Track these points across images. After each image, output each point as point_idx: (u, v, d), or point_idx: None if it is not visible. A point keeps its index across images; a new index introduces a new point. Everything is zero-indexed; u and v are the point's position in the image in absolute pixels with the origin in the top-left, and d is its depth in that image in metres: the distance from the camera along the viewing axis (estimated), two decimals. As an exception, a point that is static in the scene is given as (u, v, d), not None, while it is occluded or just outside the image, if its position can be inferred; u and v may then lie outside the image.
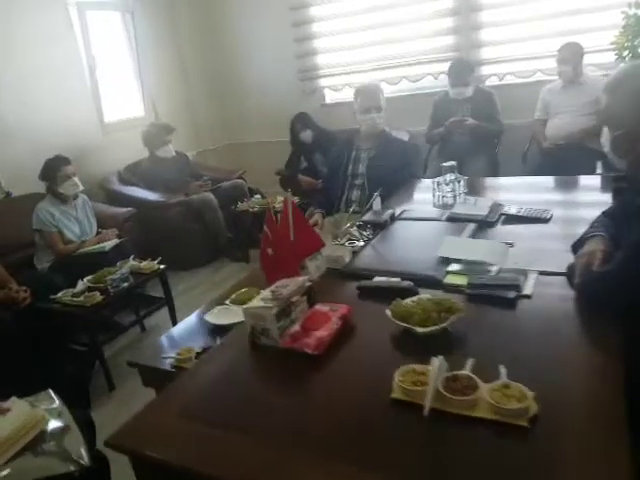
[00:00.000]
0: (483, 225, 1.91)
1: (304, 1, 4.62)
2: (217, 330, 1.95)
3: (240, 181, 4.36)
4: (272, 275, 1.50)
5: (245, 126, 5.35)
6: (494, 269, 1.51)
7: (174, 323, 2.96)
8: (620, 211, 1.43)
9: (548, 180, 2.69)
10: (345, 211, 2.82)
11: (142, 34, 4.54)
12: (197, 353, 1.82)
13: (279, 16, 4.76)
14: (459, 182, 2.33)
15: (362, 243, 1.89)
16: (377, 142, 2.82)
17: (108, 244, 3.11)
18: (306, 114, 4.26)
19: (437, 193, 2.38)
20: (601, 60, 3.63)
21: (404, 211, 2.23)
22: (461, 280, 1.48)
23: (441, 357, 1.03)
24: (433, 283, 1.50)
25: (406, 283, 1.48)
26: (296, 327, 1.29)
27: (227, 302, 2.15)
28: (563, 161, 3.32)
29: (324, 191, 3.02)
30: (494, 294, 1.37)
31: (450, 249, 1.64)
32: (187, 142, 4.78)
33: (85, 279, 2.70)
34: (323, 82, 4.86)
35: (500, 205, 2.05)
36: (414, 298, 1.36)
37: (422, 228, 2.01)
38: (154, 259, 2.92)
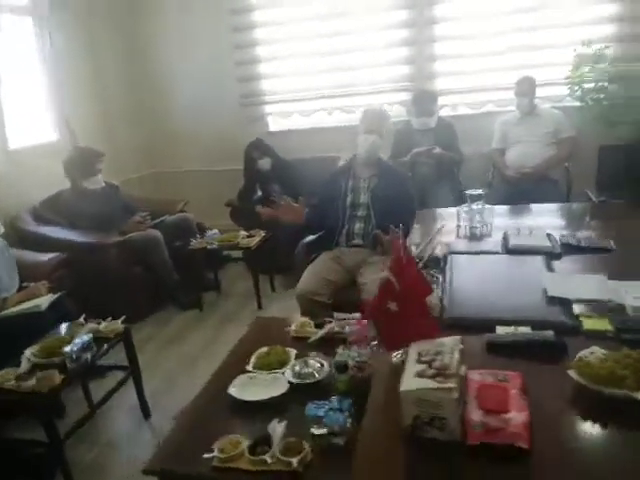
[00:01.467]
0: (551, 257, 1.74)
1: (249, 21, 4.32)
2: (246, 408, 1.55)
3: (187, 214, 3.83)
4: (395, 338, 1.16)
5: (174, 153, 4.82)
6: (629, 307, 1.32)
7: (142, 400, 2.39)
8: None
9: (546, 207, 2.66)
10: (346, 244, 2.54)
11: (57, 44, 3.86)
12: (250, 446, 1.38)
13: (217, 36, 4.40)
14: (486, 211, 2.17)
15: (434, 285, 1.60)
16: (376, 170, 2.60)
17: (42, 301, 2.40)
18: (263, 141, 3.91)
19: (464, 224, 2.19)
20: (550, 93, 3.79)
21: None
22: (602, 325, 1.26)
23: None
24: (567, 330, 1.27)
25: (549, 334, 1.23)
26: (476, 411, 0.96)
27: (249, 368, 1.74)
28: (528, 190, 3.38)
29: (318, 223, 2.68)
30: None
31: (558, 287, 1.43)
32: (106, 170, 4.07)
33: (28, 352, 2.04)
34: (268, 109, 4.55)
35: (552, 235, 1.91)
36: (585, 352, 1.10)
37: (487, 263, 1.78)
38: (109, 317, 2.31)
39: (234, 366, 1.82)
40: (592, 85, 3.59)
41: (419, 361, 1.03)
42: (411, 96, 3.84)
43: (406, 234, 2.51)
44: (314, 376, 1.67)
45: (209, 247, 3.39)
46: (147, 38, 4.60)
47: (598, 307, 1.34)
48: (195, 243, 3.41)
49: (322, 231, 2.65)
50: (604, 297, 1.39)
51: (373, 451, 1.01)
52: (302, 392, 1.62)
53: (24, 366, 1.95)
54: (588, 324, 1.28)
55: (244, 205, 3.92)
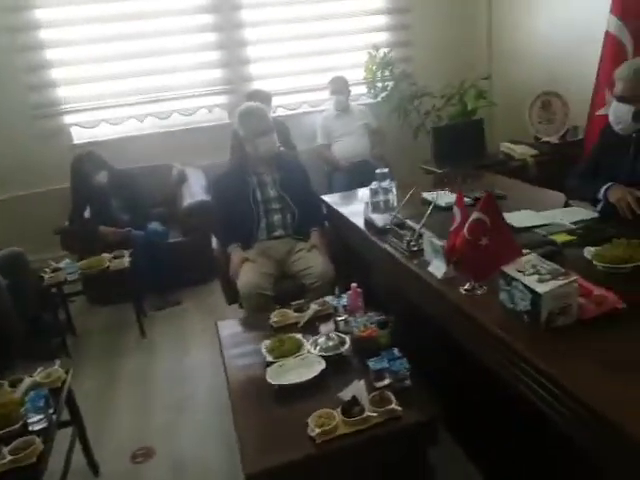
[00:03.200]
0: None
1: (30, 20, 3.75)
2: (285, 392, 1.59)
3: (14, 249, 3.12)
4: (485, 269, 1.38)
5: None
6: (569, 225, 1.84)
7: (91, 462, 2.00)
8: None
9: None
10: (267, 237, 2.58)
11: None
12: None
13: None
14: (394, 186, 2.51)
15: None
16: (276, 162, 2.68)
17: None
18: (94, 152, 3.45)
19: (378, 199, 2.47)
20: (354, 92, 4.41)
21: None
22: (567, 238, 1.73)
23: None
24: (550, 244, 1.70)
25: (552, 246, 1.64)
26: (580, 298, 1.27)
27: (270, 359, 1.72)
28: (359, 176, 3.92)
29: (231, 224, 2.62)
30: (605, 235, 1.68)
31: (518, 222, 1.87)
32: None
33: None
34: (69, 119, 4.01)
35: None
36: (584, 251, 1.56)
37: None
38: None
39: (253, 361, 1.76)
40: (381, 84, 4.37)
41: (526, 274, 1.29)
42: (246, 97, 3.95)
43: (322, 221, 2.72)
44: (339, 348, 1.76)
45: (70, 278, 2.88)
46: None
47: (552, 228, 1.82)
48: (51, 277, 2.84)
49: (232, 232, 2.61)
50: (549, 222, 1.88)
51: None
52: (335, 364, 1.70)
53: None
54: (560, 239, 1.74)
55: (83, 228, 3.42)
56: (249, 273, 2.41)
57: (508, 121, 3.54)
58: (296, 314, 2.05)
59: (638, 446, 0.91)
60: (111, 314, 3.43)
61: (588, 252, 1.57)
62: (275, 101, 4.26)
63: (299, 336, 1.85)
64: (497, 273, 1.37)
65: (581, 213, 1.99)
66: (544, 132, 3.30)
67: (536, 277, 1.28)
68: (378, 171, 2.48)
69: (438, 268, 1.60)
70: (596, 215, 1.95)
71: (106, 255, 3.05)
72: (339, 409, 1.44)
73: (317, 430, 1.37)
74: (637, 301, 1.27)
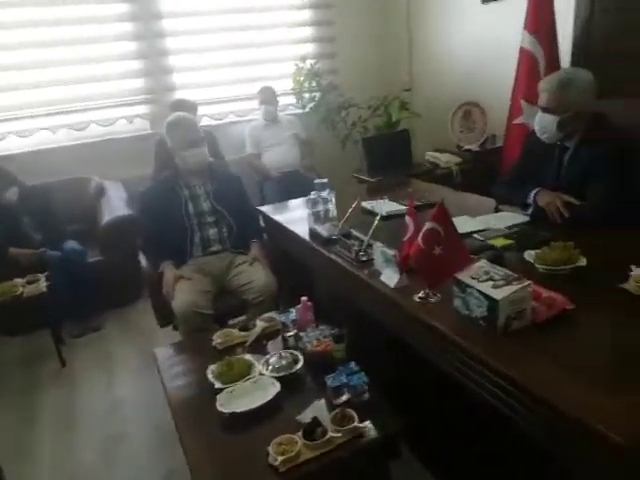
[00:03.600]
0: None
1: None
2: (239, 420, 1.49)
3: None
4: (439, 276, 1.39)
5: None
6: (504, 229, 1.92)
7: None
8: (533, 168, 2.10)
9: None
10: (203, 253, 2.46)
11: None
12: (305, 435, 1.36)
13: None
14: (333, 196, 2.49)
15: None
16: (208, 174, 2.57)
17: None
18: (3, 168, 3.12)
19: (318, 209, 2.45)
20: (282, 102, 4.38)
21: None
22: (505, 242, 1.80)
23: None
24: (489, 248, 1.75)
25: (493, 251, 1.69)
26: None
27: (219, 386, 1.63)
28: (291, 185, 3.90)
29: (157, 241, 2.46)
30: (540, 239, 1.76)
31: (461, 227, 1.91)
32: None
33: None
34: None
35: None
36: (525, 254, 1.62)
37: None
38: None
39: (199, 390, 1.65)
40: (309, 95, 4.38)
41: (480, 281, 1.31)
42: (170, 107, 3.78)
43: (261, 232, 2.64)
44: (292, 366, 1.70)
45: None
46: None
47: (489, 234, 1.88)
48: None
49: (163, 249, 2.46)
50: (484, 227, 1.94)
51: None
52: (290, 384, 1.64)
53: None
54: (498, 243, 1.80)
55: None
56: (185, 291, 2.27)
57: (432, 131, 3.69)
58: (242, 333, 1.95)
59: (602, 443, 0.94)
60: (25, 344, 3.12)
61: (529, 255, 1.63)
62: (201, 111, 4.12)
63: (248, 357, 1.76)
64: (450, 280, 1.38)
65: (513, 218, 2.07)
66: (466, 140, 3.46)
67: (491, 283, 1.30)
68: (317, 181, 2.46)
69: (390, 277, 1.59)
70: (527, 219, 2.04)
71: (19, 280, 2.76)
72: (300, 433, 1.37)
73: (279, 458, 1.29)
74: (582, 301, 1.33)
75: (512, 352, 1.22)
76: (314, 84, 4.31)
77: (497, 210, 2.24)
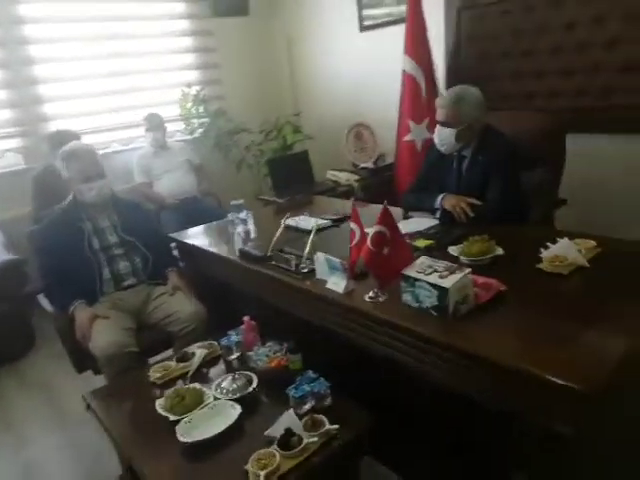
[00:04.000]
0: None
1: None
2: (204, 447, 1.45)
3: None
4: (389, 275, 1.48)
5: None
6: (425, 230, 2.10)
7: None
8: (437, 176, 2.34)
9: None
10: (115, 288, 2.30)
11: None
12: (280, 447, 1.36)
13: None
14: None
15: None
16: (112, 206, 2.42)
17: None
18: None
19: (238, 229, 2.43)
20: (171, 128, 4.27)
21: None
22: (426, 243, 1.97)
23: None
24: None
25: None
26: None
27: (174, 418, 1.55)
28: (190, 212, 3.81)
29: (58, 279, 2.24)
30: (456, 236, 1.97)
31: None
32: None
33: None
34: None
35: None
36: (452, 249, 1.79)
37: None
38: None
39: (151, 426, 1.54)
40: (197, 121, 4.35)
41: (426, 274, 1.43)
42: (48, 139, 3.47)
43: (175, 261, 2.53)
44: (248, 386, 1.67)
45: None
46: None
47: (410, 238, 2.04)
48: None
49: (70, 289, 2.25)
50: (406, 230, 2.10)
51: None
52: (249, 404, 1.61)
53: None
54: (421, 244, 1.95)
55: None
56: (106, 331, 2.09)
57: (327, 152, 3.88)
58: (180, 364, 1.86)
59: (563, 395, 1.08)
60: None
61: (453, 250, 1.81)
62: (83, 140, 3.86)
63: (196, 385, 1.69)
64: (398, 278, 1.49)
65: (424, 222, 2.27)
66: (360, 159, 3.69)
67: (437, 275, 1.43)
68: (233, 202, 2.46)
69: (337, 284, 1.65)
70: (436, 222, 2.25)
71: None
72: (274, 446, 1.36)
73: (262, 473, 1.26)
74: (509, 283, 1.52)
75: (465, 331, 1.35)
76: (201, 110, 4.30)
77: (406, 217, 2.42)
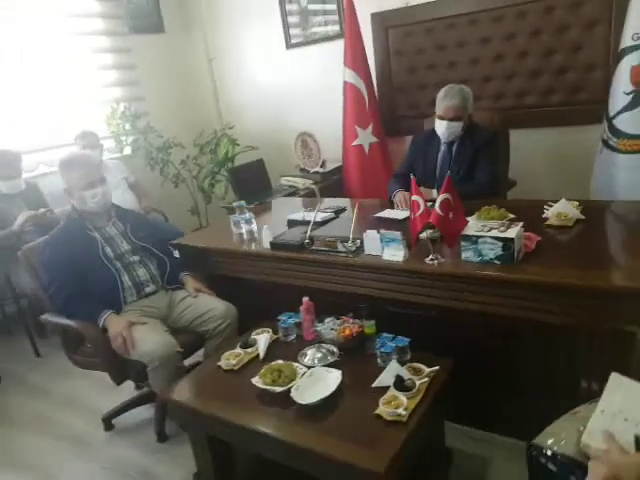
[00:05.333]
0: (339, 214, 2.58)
1: None
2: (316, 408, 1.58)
3: None
4: (453, 236, 1.76)
5: None
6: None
7: None
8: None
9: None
10: (138, 297, 2.24)
11: None
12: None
13: None
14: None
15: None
16: (115, 213, 2.36)
17: None
18: None
19: (244, 229, 2.49)
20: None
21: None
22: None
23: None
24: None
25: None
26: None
27: (280, 389, 1.65)
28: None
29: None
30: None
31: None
32: None
33: None
34: None
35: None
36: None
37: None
38: None
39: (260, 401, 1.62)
40: (126, 138, 4.22)
41: (484, 231, 1.73)
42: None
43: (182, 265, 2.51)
44: (333, 354, 1.81)
45: None
46: None
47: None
48: None
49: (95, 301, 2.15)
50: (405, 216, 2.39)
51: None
52: (340, 368, 1.74)
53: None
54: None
55: None
56: (151, 334, 2.05)
57: (272, 160, 4.04)
58: (248, 350, 1.91)
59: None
60: None
61: (471, 219, 2.14)
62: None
63: (289, 362, 1.76)
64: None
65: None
66: (309, 165, 3.92)
67: (496, 231, 1.73)
68: (235, 204, 2.53)
69: (395, 254, 1.87)
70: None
71: None
72: (392, 390, 1.53)
73: (400, 409, 1.44)
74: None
75: (529, 269, 1.66)
76: (128, 127, 4.18)
77: (392, 204, 2.68)
